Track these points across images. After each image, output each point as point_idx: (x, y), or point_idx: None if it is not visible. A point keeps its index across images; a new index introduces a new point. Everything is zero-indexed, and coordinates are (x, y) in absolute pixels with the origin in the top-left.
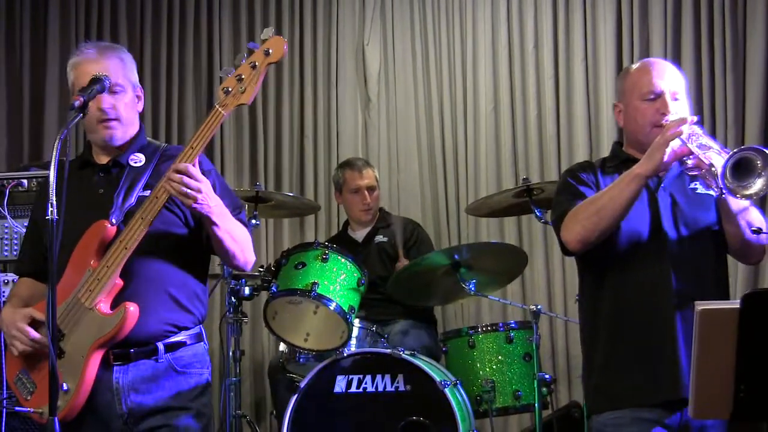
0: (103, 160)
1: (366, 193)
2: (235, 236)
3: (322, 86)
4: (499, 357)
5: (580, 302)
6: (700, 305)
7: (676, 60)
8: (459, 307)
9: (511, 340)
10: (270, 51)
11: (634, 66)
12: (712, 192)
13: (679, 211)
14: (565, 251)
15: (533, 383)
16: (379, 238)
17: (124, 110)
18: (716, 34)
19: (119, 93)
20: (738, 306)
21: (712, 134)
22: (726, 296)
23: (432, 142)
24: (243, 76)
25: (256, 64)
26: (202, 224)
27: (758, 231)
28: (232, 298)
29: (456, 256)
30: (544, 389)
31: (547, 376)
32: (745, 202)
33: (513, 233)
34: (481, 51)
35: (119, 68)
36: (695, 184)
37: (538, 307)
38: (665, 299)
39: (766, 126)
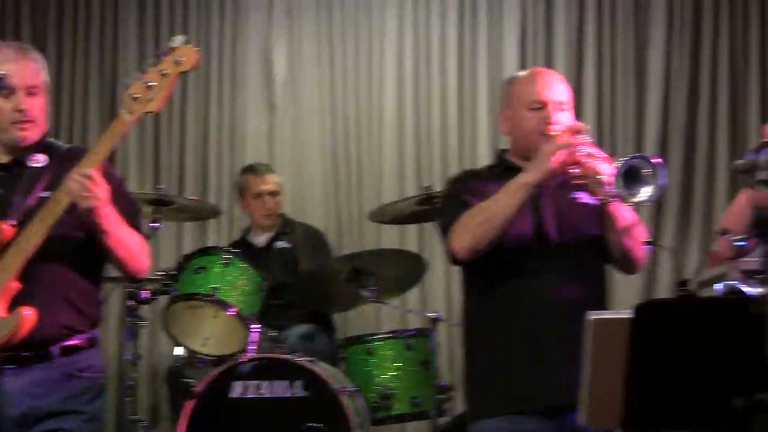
0: (2, 159)
1: (268, 198)
2: (126, 245)
3: (228, 90)
4: (398, 364)
5: (464, 308)
6: (593, 315)
7: (578, 72)
8: (359, 314)
9: (410, 347)
10: (181, 60)
11: (520, 74)
12: (595, 201)
13: (562, 220)
14: (454, 260)
15: (431, 390)
16: (281, 244)
17: (40, 112)
18: (617, 47)
19: (37, 95)
20: (630, 316)
21: (612, 147)
22: (605, 305)
23: (336, 148)
24: (152, 84)
25: (167, 72)
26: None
27: (650, 243)
28: (131, 301)
29: (356, 263)
30: (442, 396)
31: (445, 384)
32: (628, 212)
33: (414, 241)
34: (387, 59)
35: (37, 70)
36: (577, 193)
37: (437, 314)
38: (549, 306)
39: (664, 139)
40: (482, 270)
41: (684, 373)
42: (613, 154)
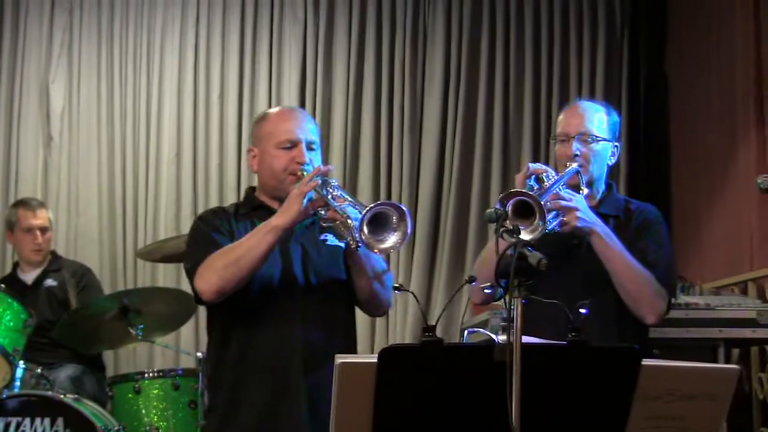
0: None
1: (38, 233)
2: None
3: (3, 122)
4: (165, 404)
5: (207, 349)
6: (340, 358)
7: (357, 117)
8: (132, 353)
9: (177, 386)
10: None
11: (271, 112)
12: (341, 244)
13: (309, 262)
14: (199, 300)
15: (197, 430)
16: (49, 281)
17: None
18: (395, 95)
19: None
20: (375, 360)
21: (389, 194)
22: (353, 348)
23: (113, 185)
24: None
25: None
26: None
27: (398, 288)
28: None
29: (124, 301)
30: None
31: None
32: (375, 257)
33: None
34: (166, 97)
35: None
36: (326, 236)
37: (204, 354)
38: (292, 351)
39: (439, 185)
40: (227, 311)
41: (427, 419)
42: (389, 198)
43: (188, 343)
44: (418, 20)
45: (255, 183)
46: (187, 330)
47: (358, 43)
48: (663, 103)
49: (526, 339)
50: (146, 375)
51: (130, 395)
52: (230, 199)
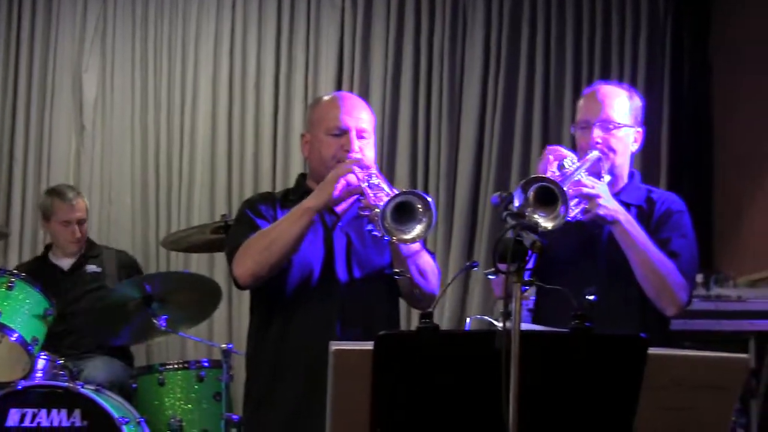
0: None
1: (76, 226)
2: None
3: (36, 110)
4: (189, 395)
5: (248, 333)
6: (335, 345)
7: (395, 105)
8: (164, 344)
9: (202, 378)
10: None
11: (325, 98)
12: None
13: (353, 252)
14: (238, 285)
15: (221, 423)
16: (92, 267)
17: None
18: (434, 83)
19: None
20: (371, 347)
21: (425, 183)
22: None
23: (146, 174)
24: None
25: None
26: None
27: (398, 273)
28: None
29: (147, 288)
30: (234, 429)
31: (234, 417)
32: (417, 246)
33: (223, 270)
34: (201, 86)
35: None
36: (369, 226)
37: (228, 345)
38: (329, 340)
39: (478, 174)
40: (267, 297)
41: (425, 407)
42: (426, 189)
43: (221, 334)
44: (457, 6)
45: (291, 172)
46: (219, 321)
47: (396, 30)
48: (707, 92)
49: (526, 326)
50: (170, 366)
51: (154, 386)
52: (265, 188)
